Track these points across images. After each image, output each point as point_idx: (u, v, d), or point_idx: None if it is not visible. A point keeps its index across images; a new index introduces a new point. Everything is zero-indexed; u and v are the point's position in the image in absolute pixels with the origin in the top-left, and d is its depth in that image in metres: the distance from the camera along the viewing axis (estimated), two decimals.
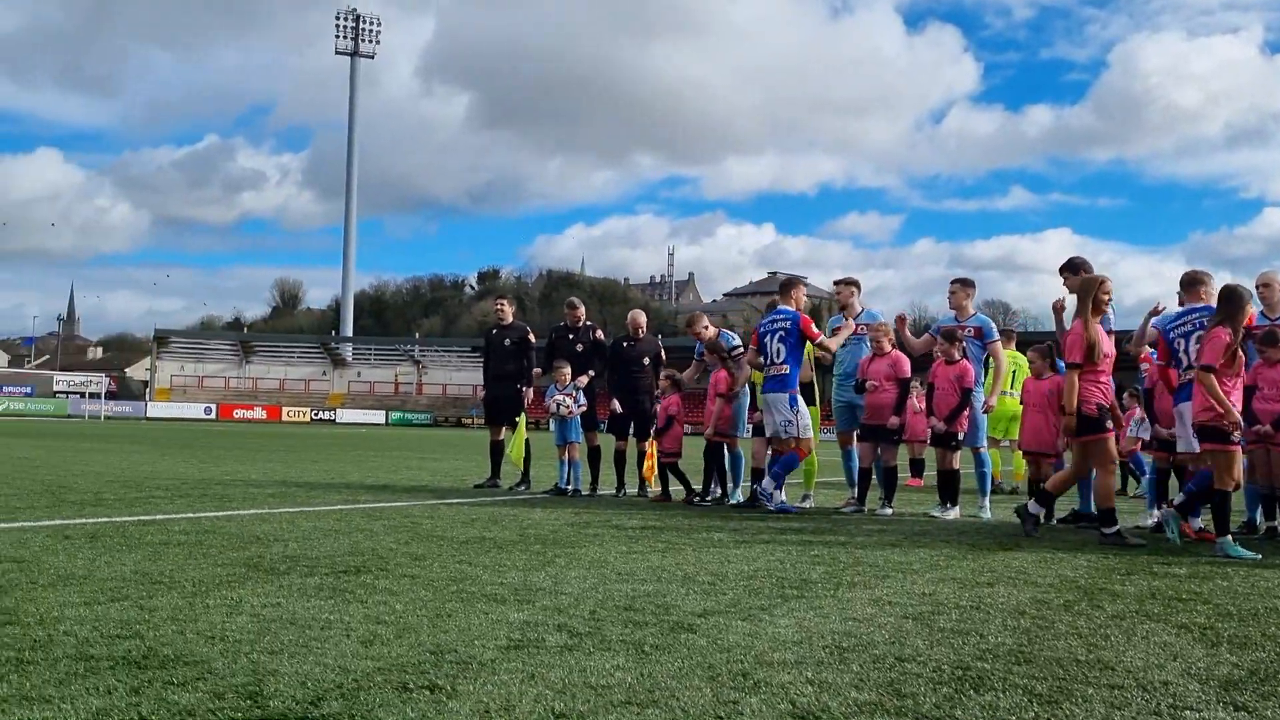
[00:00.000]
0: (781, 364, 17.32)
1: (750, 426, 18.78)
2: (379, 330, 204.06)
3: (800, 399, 17.29)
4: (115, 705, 5.73)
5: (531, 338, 22.45)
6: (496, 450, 22.35)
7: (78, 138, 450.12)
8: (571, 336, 21.41)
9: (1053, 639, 7.80)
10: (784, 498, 17.43)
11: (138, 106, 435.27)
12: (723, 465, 19.09)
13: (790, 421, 17.16)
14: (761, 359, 17.67)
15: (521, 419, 21.70)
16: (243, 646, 6.97)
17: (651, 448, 19.77)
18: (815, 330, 17.45)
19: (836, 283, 18.82)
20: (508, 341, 22.28)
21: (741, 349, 19.36)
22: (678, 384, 20.13)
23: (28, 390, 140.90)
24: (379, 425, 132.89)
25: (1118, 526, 14.08)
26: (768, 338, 17.65)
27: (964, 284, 18.28)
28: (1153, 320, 16.23)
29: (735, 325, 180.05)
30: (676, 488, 20.02)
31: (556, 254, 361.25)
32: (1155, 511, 16.28)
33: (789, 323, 17.46)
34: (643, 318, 21.24)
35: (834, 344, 17.89)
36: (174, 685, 6.09)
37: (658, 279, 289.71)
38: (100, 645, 6.94)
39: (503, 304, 23.19)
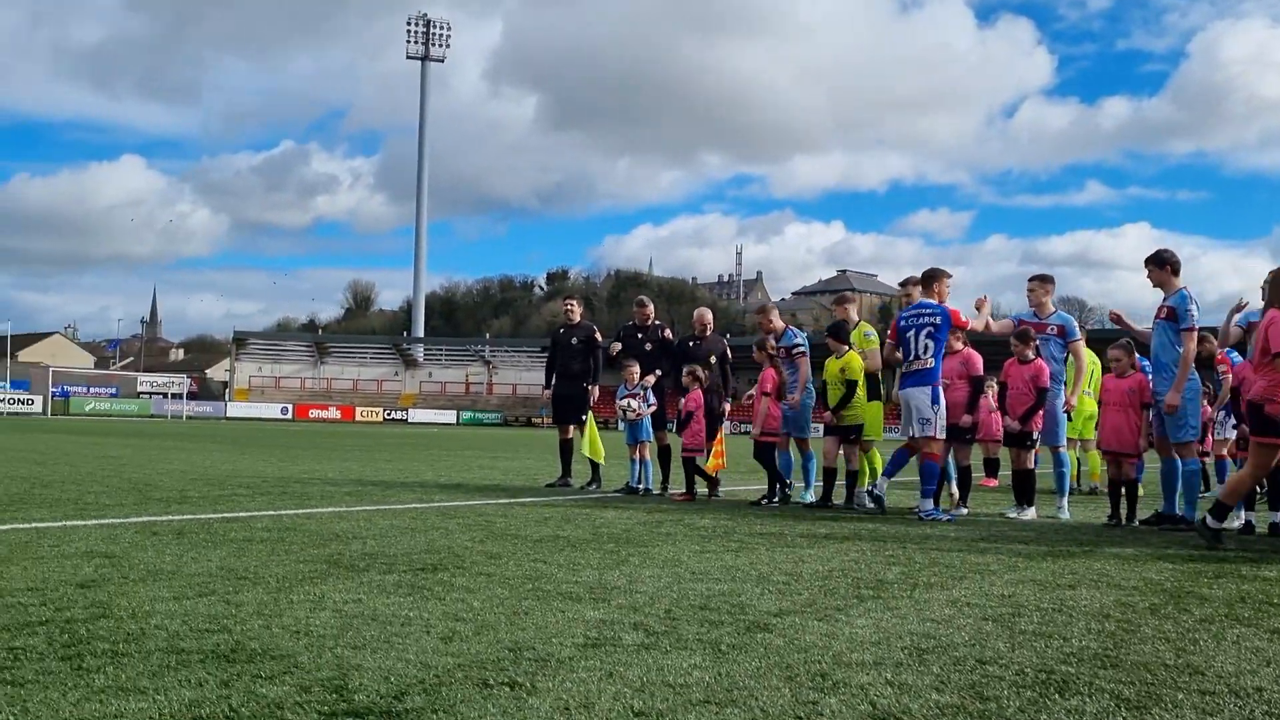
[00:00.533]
0: (928, 358, 16.94)
1: (819, 426, 18.60)
2: (450, 331, 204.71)
3: (942, 393, 16.97)
4: (206, 697, 5.81)
5: (598, 337, 22.49)
6: (566, 449, 22.39)
7: (159, 145, 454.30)
8: (640, 335, 21.40)
9: (1139, 643, 7.71)
10: (934, 506, 16.90)
11: (216, 114, 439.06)
12: (772, 464, 18.92)
13: (929, 421, 16.79)
14: (900, 354, 17.23)
15: (590, 416, 21.75)
16: (326, 641, 7.03)
17: (719, 445, 19.65)
18: (965, 319, 17.15)
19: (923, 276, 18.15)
20: (575, 340, 22.34)
21: (804, 348, 19.26)
22: (699, 379, 19.99)
23: (113, 391, 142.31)
24: (450, 425, 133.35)
25: (1223, 526, 13.88)
26: (912, 333, 17.10)
27: (1043, 280, 18.02)
28: (1235, 318, 16.06)
29: (804, 324, 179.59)
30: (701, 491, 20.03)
31: (624, 254, 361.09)
32: (1242, 514, 16.11)
33: (938, 316, 16.97)
34: (709, 315, 21.16)
35: (986, 325, 17.53)
36: (262, 679, 6.16)
37: (725, 279, 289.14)
38: (190, 639, 7.03)
39: (571, 304, 23.29)
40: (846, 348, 18.12)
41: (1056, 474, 17.83)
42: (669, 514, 16.16)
